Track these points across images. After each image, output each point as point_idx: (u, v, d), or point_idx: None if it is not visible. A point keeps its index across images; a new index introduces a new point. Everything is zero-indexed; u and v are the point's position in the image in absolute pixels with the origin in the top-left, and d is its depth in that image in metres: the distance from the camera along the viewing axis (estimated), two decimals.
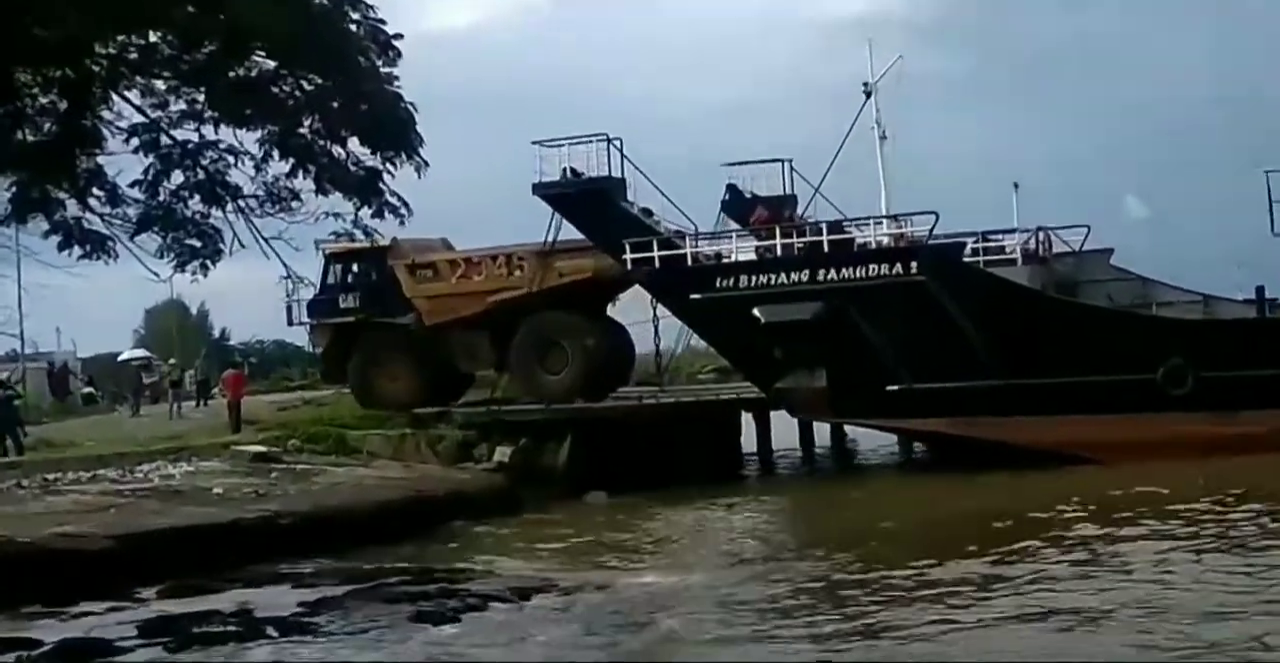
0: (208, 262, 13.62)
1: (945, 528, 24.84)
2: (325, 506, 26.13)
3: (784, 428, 39.15)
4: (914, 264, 32.29)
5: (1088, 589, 18.51)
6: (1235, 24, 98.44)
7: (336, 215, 13.85)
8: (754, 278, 33.63)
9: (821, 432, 40.14)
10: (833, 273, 32.89)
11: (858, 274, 32.70)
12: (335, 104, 13.32)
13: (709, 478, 32.38)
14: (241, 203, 13.52)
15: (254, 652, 16.79)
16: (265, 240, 13.89)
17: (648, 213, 35.65)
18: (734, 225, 37.03)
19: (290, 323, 41.33)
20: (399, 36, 13.36)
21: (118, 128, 13.16)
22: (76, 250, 13.22)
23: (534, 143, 35.20)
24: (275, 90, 13.19)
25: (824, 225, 34.82)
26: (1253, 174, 30.51)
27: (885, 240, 34.29)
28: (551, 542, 25.97)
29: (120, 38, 12.74)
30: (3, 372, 42.51)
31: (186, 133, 13.34)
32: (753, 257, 34.93)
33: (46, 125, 13.01)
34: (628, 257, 34.41)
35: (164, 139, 13.23)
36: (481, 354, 38.07)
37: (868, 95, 36.05)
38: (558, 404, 35.57)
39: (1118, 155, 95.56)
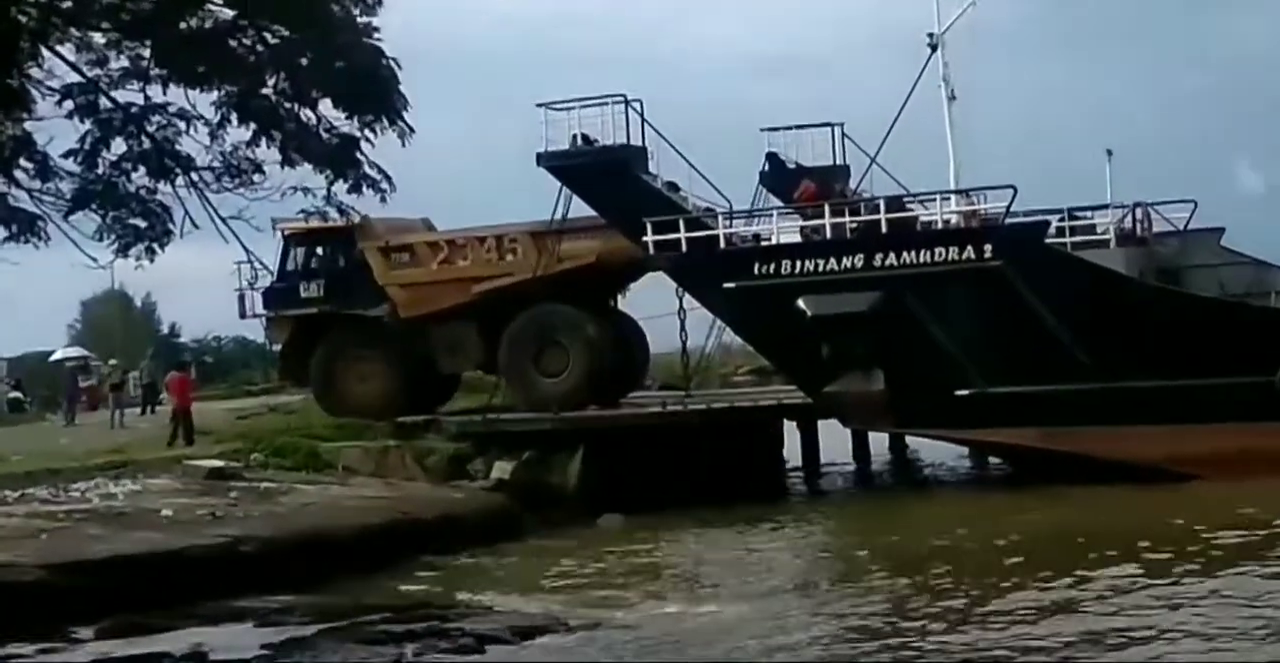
0: (155, 245, 13.75)
1: (1023, 554, 24.80)
2: (294, 530, 26.16)
3: (834, 440, 39.23)
4: (988, 247, 32.30)
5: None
6: None
7: (306, 190, 13.99)
8: (799, 263, 33.65)
9: (878, 444, 40.20)
10: (892, 258, 32.90)
11: (921, 259, 32.70)
12: (304, 60, 13.42)
13: (745, 498, 32.41)
14: (194, 176, 13.65)
15: None
16: (222, 220, 14.03)
17: (673, 187, 35.72)
18: (775, 201, 37.11)
19: (243, 316, 41.53)
20: None
21: (49, 88, 13.29)
22: (1, 232, 13.34)
23: (540, 105, 35.28)
24: (233, 44, 13.30)
25: (881, 202, 34.79)
26: None
27: (954, 219, 34.29)
28: (559, 573, 26.03)
29: None
30: None
31: (129, 94, 13.49)
32: (797, 238, 35.00)
33: None
34: (649, 239, 34.46)
35: (103, 102, 13.34)
36: (467, 352, 38.23)
37: (933, 48, 35.98)
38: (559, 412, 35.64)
39: (1231, 115, 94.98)
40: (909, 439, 39.53)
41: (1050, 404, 31.84)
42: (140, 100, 13.42)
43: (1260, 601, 19.60)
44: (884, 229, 33.85)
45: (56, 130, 13.39)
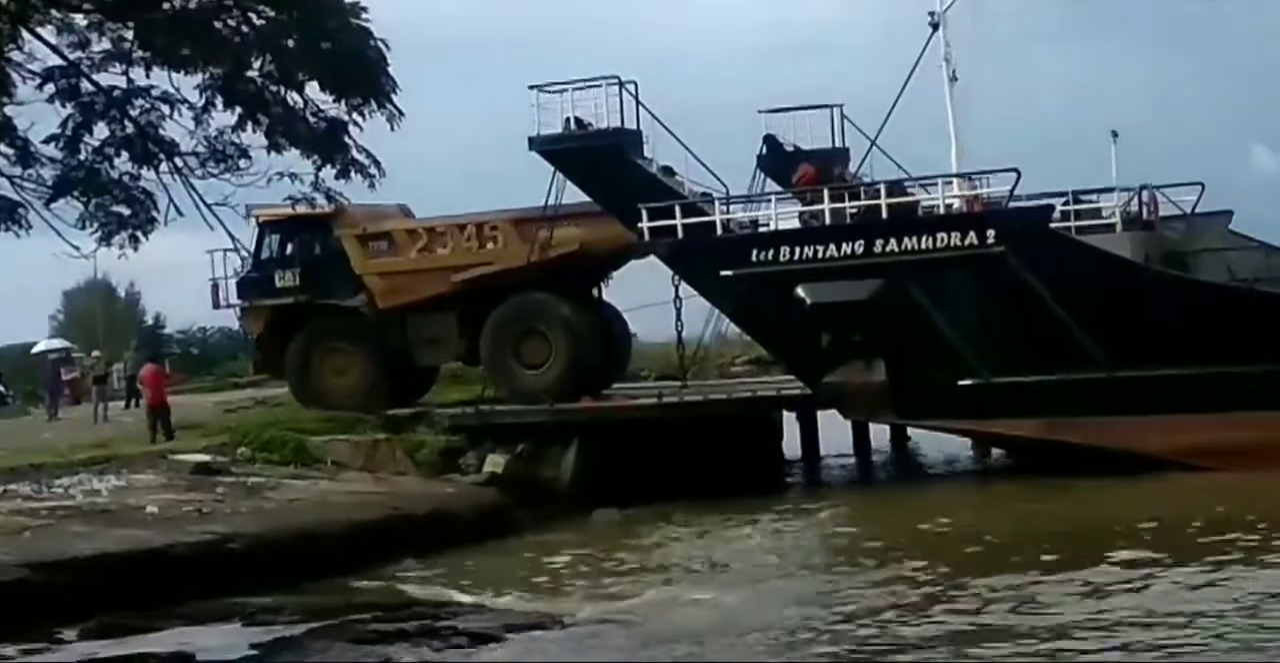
0: (138, 233, 13.67)
1: (1024, 546, 24.85)
2: (282, 527, 26.09)
3: (834, 431, 39.23)
4: (991, 232, 32.23)
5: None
6: None
7: (293, 176, 13.90)
8: (798, 250, 33.58)
9: (879, 435, 40.22)
10: (893, 244, 32.83)
11: (923, 245, 32.64)
12: (290, 42, 13.32)
13: (743, 491, 32.37)
14: (179, 161, 13.56)
15: None
16: (208, 206, 13.95)
17: (669, 172, 35.69)
18: (773, 186, 37.06)
19: (217, 306, 41.51)
20: None
21: (29, 71, 13.19)
22: None
23: (531, 88, 35.22)
24: (218, 25, 13.20)
25: (882, 186, 34.71)
26: None
27: (956, 204, 34.25)
28: (553, 568, 26.03)
29: None
30: None
31: (112, 77, 13.38)
32: (796, 224, 34.94)
33: None
34: (644, 225, 34.41)
35: (85, 85, 13.25)
36: (446, 343, 38.21)
37: (935, 27, 35.93)
38: (544, 401, 35.80)
39: (1241, 95, 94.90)
40: (910, 430, 39.49)
41: (1055, 394, 31.81)
42: (123, 84, 13.34)
43: (1254, 598, 19.54)
44: (885, 214, 33.76)
45: (37, 115, 13.31)
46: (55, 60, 13.18)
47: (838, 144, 37.84)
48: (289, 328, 39.38)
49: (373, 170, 14.01)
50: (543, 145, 35.28)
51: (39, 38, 13.14)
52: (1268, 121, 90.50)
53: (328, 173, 13.90)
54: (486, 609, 21.97)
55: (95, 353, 54.67)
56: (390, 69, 13.70)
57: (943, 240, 32.54)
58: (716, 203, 35.35)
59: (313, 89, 13.60)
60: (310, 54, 13.26)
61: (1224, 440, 30.24)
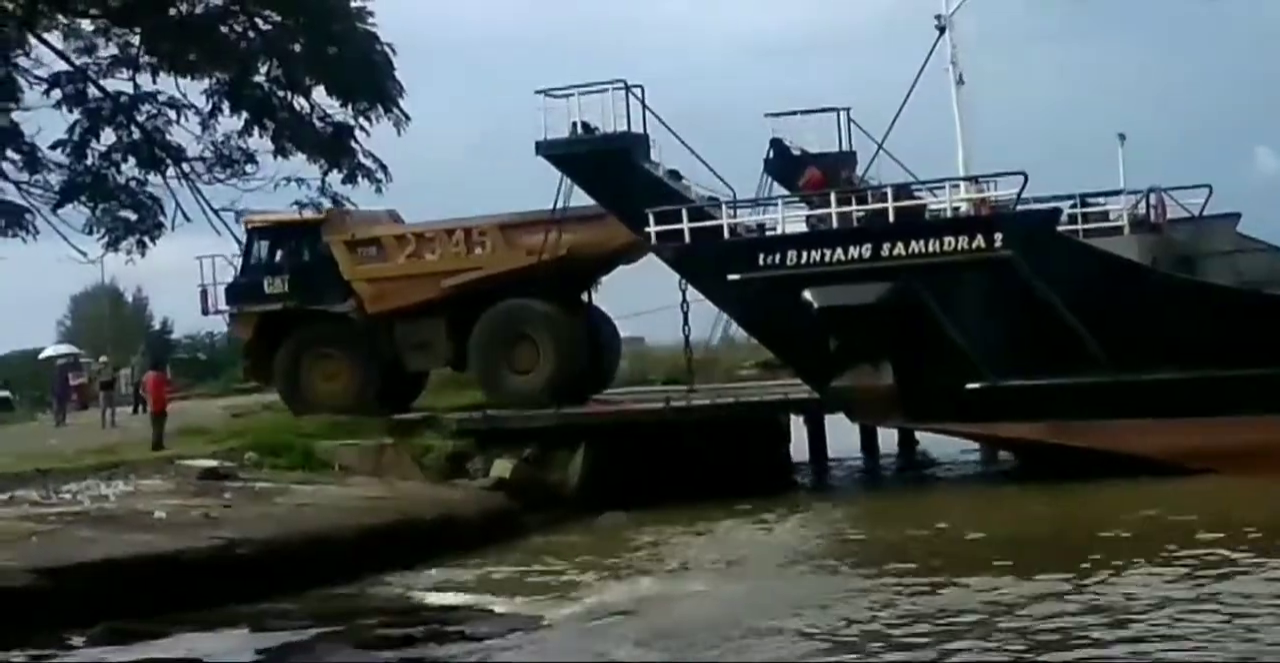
0: (145, 238, 13.67)
1: (1022, 547, 24.93)
2: (290, 532, 26.04)
3: (842, 434, 39.21)
4: (998, 236, 32.16)
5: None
6: None
7: (300, 181, 13.92)
8: (805, 254, 33.52)
9: (887, 439, 40.18)
10: (900, 247, 32.78)
11: (930, 249, 32.59)
12: (297, 47, 13.33)
13: (750, 494, 32.36)
14: (185, 167, 13.57)
15: None
16: (214, 212, 13.95)
17: (675, 176, 35.67)
18: (780, 190, 37.02)
19: (206, 312, 41.62)
20: None
21: (36, 77, 13.19)
22: None
23: (539, 92, 35.18)
24: (224, 30, 13.20)
25: (889, 189, 34.65)
26: None
27: (963, 207, 34.22)
28: (559, 570, 26.03)
29: None
30: None
31: (119, 83, 13.39)
32: (803, 228, 34.89)
33: None
34: (651, 229, 34.40)
35: (92, 91, 13.25)
36: (435, 348, 38.25)
37: (941, 31, 35.85)
38: (532, 407, 35.87)
39: (1248, 97, 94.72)
40: (919, 434, 39.44)
41: (1063, 397, 31.71)
42: (130, 89, 13.37)
43: (1246, 607, 19.44)
44: (892, 218, 33.69)
45: (44, 120, 13.32)
46: (62, 66, 13.22)
47: (844, 147, 37.78)
48: (278, 334, 39.44)
49: (379, 175, 14.01)
50: (550, 150, 35.26)
51: (45, 43, 13.17)
52: (1271, 123, 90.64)
53: (334, 177, 13.89)
54: (493, 614, 21.95)
55: (103, 358, 54.68)
56: (396, 73, 13.70)
57: (950, 244, 32.47)
58: (723, 207, 35.27)
59: (319, 94, 13.63)
60: (317, 59, 13.27)
61: (1234, 444, 30.11)
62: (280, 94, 13.52)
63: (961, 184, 34.72)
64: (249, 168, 13.66)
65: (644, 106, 35.14)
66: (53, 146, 13.29)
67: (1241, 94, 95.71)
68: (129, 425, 42.07)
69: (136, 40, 13.14)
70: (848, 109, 37.83)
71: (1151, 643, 17.94)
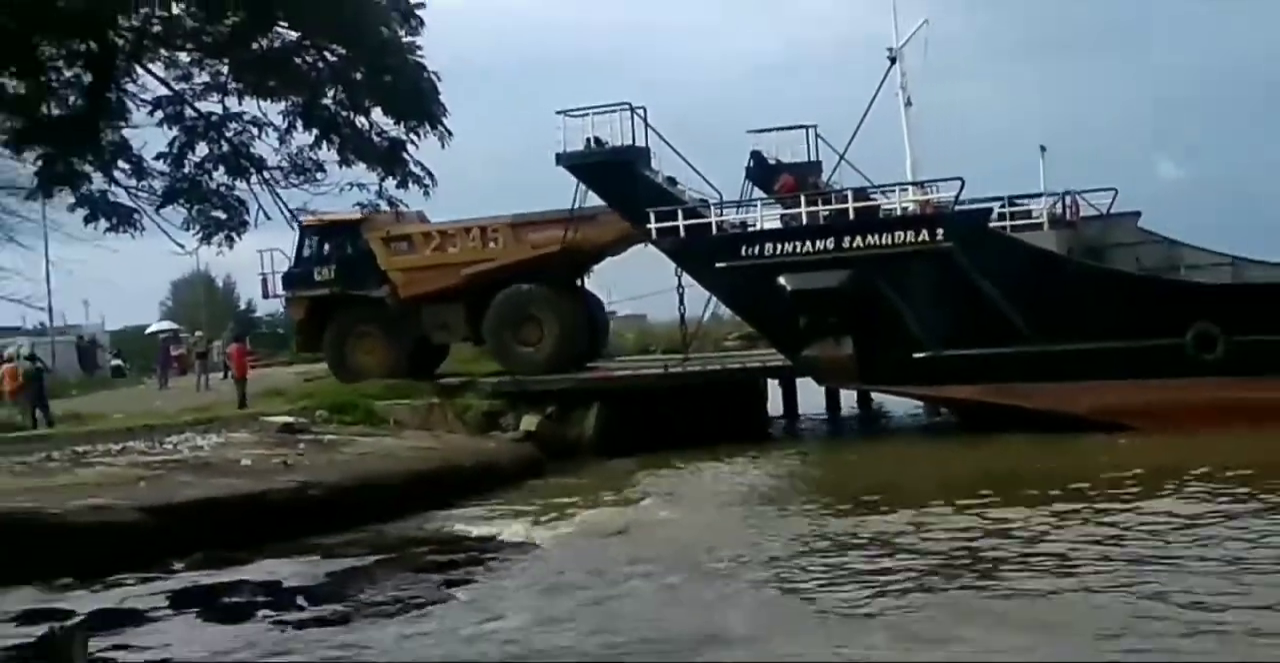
0: (233, 234, 13.62)
1: (949, 485, 24.93)
2: (354, 476, 26.12)
3: (810, 395, 39.24)
4: (940, 231, 32.18)
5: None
6: None
7: (361, 186, 13.84)
8: (779, 246, 33.53)
9: (848, 398, 40.20)
10: (858, 240, 32.77)
11: (883, 241, 32.59)
12: (358, 75, 13.26)
13: (734, 442, 32.37)
14: (266, 174, 13.50)
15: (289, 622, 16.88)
16: (290, 212, 13.92)
17: (672, 181, 35.62)
18: (759, 193, 36.98)
19: (265, 295, 41.99)
20: (421, 6, 13.29)
21: (142, 100, 13.14)
22: (103, 224, 13.18)
23: (558, 113, 35.18)
24: (298, 62, 13.14)
25: (849, 193, 34.66)
26: None
27: (911, 207, 34.18)
28: (568, 502, 26.19)
29: (143, 9, 12.69)
30: (23, 344, 42.48)
31: (210, 105, 13.33)
32: (778, 225, 34.85)
33: (71, 99, 12.96)
34: (652, 225, 34.42)
35: (188, 111, 13.21)
36: (456, 326, 38.37)
37: (892, 61, 35.87)
38: (530, 376, 35.98)
39: (1147, 114, 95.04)
40: (874, 395, 39.45)
41: (994, 364, 31.73)
42: (220, 110, 13.28)
43: (1116, 533, 19.65)
44: (852, 216, 33.71)
45: (149, 137, 13.27)
46: (163, 91, 13.15)
47: (812, 158, 37.74)
48: (326, 314, 39.57)
49: (426, 181, 13.96)
50: (568, 160, 35.22)
51: (150, 73, 13.12)
52: (1167, 138, 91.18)
53: (389, 183, 13.87)
54: (520, 544, 21.97)
55: (198, 333, 54.79)
56: (441, 97, 13.67)
57: (900, 238, 32.49)
58: (712, 207, 35.25)
59: (377, 114, 13.55)
60: (375, 85, 13.22)
61: (1135, 402, 30.23)
62: (344, 114, 13.46)
63: (909, 188, 34.70)
64: (319, 175, 13.59)
65: (646, 124, 35.15)
66: (156, 158, 13.24)
67: (1144, 114, 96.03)
68: (220, 388, 42.13)
69: (225, 70, 13.09)
70: (815, 126, 37.91)
71: (1037, 557, 18.30)
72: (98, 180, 13.22)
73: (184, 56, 13.12)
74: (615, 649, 14.83)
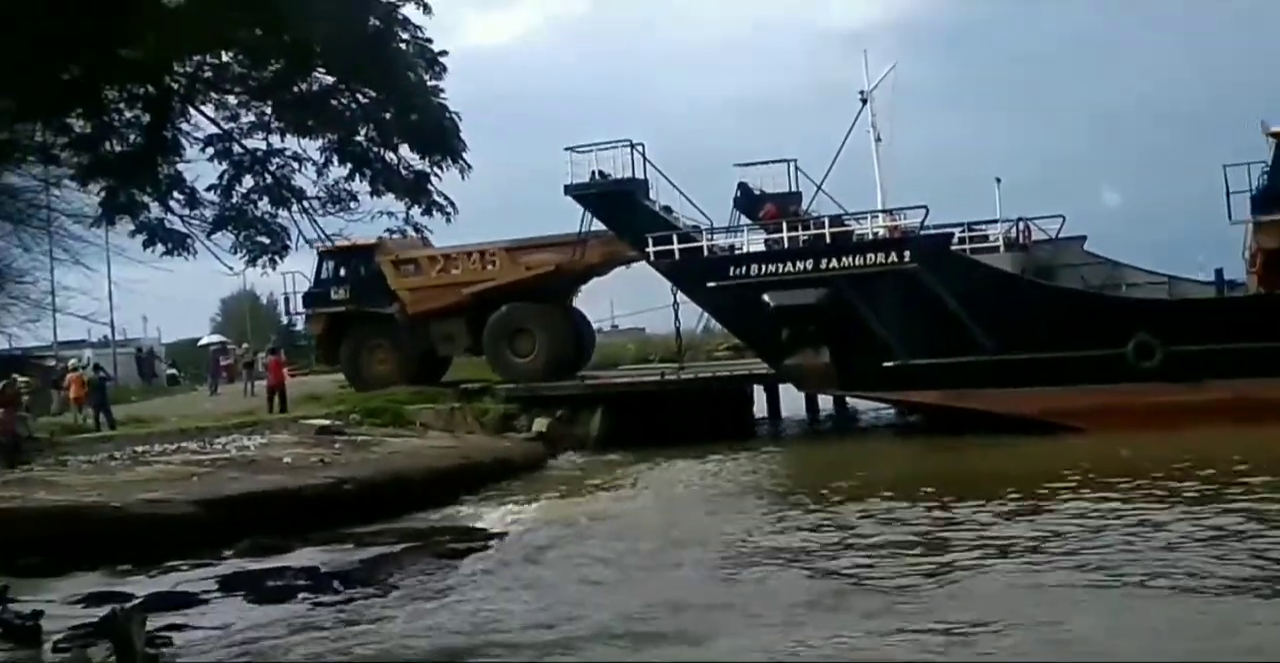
0: (276, 256, 13.61)
1: (911, 480, 24.83)
2: (384, 472, 26.15)
3: (791, 399, 39.20)
4: (907, 253, 32.27)
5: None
6: (1206, 34, 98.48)
7: (390, 214, 13.83)
8: (764, 267, 33.58)
9: (825, 402, 40.15)
10: (834, 262, 32.84)
11: (856, 262, 32.66)
12: (387, 115, 13.28)
13: (722, 441, 32.34)
14: (305, 204, 13.51)
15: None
16: (327, 238, 13.93)
17: (668, 210, 35.65)
18: (745, 220, 37.00)
19: (287, 313, 42.08)
20: (444, 53, 13.29)
21: (195, 138, 13.16)
22: (159, 248, 13.20)
23: (566, 148, 35.30)
24: (334, 103, 13.16)
25: (826, 219, 34.73)
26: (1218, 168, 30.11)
27: (881, 232, 34.24)
28: (571, 490, 26.43)
29: (196, 58, 12.73)
30: (86, 356, 42.54)
31: (256, 142, 13.34)
32: (762, 248, 34.88)
33: (131, 137, 12.99)
34: (651, 249, 34.46)
35: (236, 148, 13.22)
36: (458, 339, 38.49)
37: (864, 101, 36.01)
38: (528, 382, 35.96)
39: (1095, 149, 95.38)
40: (848, 399, 39.42)
41: (956, 372, 31.76)
42: (264, 146, 13.29)
43: (1054, 523, 19.58)
44: (828, 240, 33.77)
45: (201, 170, 13.29)
46: (214, 130, 13.16)
47: (793, 188, 37.70)
48: (342, 330, 39.63)
49: (448, 210, 13.97)
50: (574, 191, 35.28)
51: (201, 113, 13.13)
52: (1110, 169, 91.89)
53: (415, 211, 13.88)
54: (529, 531, 21.92)
55: (244, 345, 54.64)
56: (461, 134, 13.69)
57: (871, 259, 32.56)
58: (704, 233, 35.32)
59: (404, 150, 13.56)
60: (402, 124, 13.23)
61: (1082, 405, 30.25)
62: (375, 150, 13.46)
63: (880, 215, 34.76)
64: (352, 205, 13.59)
65: (645, 159, 35.28)
66: (207, 189, 13.25)
67: (1090, 147, 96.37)
68: (264, 395, 42.01)
69: (269, 111, 13.10)
70: (795, 160, 37.86)
71: (983, 543, 18.31)
72: (155, 209, 13.23)
73: (232, 99, 13.14)
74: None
